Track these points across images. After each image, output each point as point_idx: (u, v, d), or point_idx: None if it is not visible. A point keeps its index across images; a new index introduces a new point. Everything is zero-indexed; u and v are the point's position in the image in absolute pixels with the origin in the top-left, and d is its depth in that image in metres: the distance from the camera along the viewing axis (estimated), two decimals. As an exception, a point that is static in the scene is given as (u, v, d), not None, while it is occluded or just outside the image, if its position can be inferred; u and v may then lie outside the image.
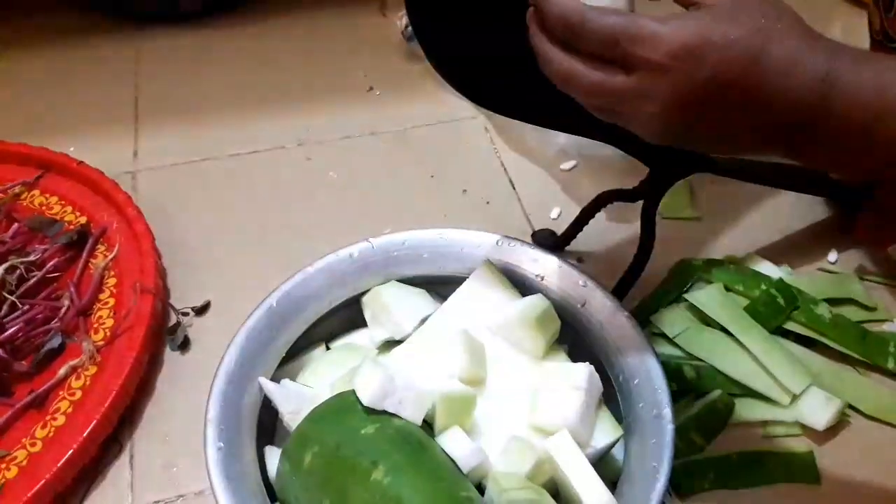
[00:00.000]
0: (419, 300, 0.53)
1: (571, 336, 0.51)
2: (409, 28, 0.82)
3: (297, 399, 0.46)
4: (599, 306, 0.51)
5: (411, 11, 0.53)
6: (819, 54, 0.37)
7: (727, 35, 0.36)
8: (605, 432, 0.46)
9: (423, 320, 0.51)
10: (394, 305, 0.51)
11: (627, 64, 0.37)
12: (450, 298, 0.51)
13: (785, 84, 0.36)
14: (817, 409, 0.54)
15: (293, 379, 0.49)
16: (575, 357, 0.50)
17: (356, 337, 0.54)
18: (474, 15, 0.50)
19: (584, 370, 0.45)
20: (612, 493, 0.42)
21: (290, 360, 0.51)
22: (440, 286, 0.54)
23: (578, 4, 0.38)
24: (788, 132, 0.38)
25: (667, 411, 0.44)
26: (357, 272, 0.53)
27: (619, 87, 0.37)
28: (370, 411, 0.42)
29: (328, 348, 0.54)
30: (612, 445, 0.46)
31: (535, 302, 0.49)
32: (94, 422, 0.52)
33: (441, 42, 0.53)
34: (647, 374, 0.47)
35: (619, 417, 0.47)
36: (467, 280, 0.52)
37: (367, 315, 0.53)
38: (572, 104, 0.44)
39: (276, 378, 0.49)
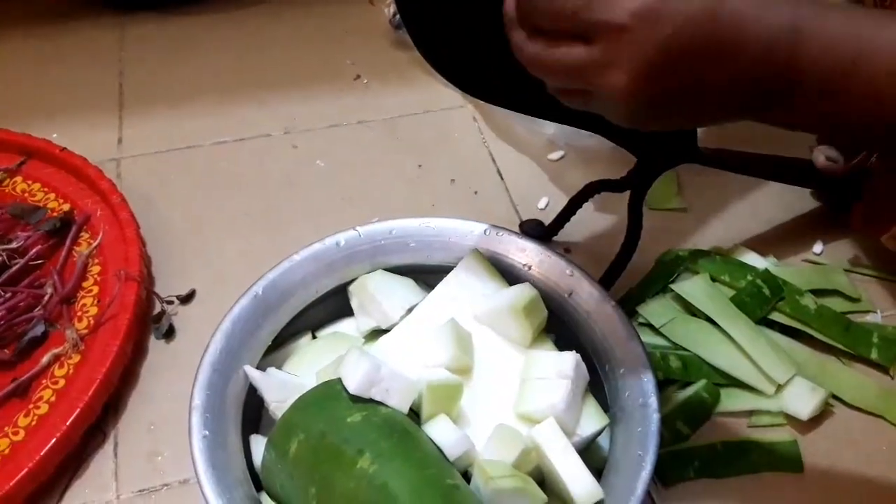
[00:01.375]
0: (406, 289, 0.52)
1: (558, 326, 0.51)
2: (397, 16, 0.82)
3: (282, 387, 0.46)
4: (586, 296, 0.51)
5: (399, 2, 0.52)
6: (782, 4, 0.36)
7: None
8: (592, 421, 0.46)
9: (410, 309, 0.51)
10: (381, 294, 0.51)
11: (587, 32, 0.35)
12: (437, 287, 0.51)
13: (749, 35, 0.35)
14: (801, 399, 0.54)
15: (279, 367, 0.49)
16: (562, 346, 0.50)
17: (343, 326, 0.54)
18: (460, 3, 0.49)
19: (570, 359, 0.45)
20: (598, 482, 0.42)
21: (277, 348, 0.51)
22: (427, 275, 0.54)
23: None
24: (760, 90, 0.36)
25: (652, 400, 0.45)
26: (344, 260, 0.53)
27: (581, 59, 0.36)
28: (356, 399, 0.42)
29: (314, 337, 0.54)
30: (598, 434, 0.46)
31: (523, 291, 0.49)
32: (78, 411, 0.51)
33: (429, 29, 0.53)
34: (633, 364, 0.47)
35: (605, 406, 0.47)
36: (454, 269, 0.52)
37: (354, 304, 0.53)
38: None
39: (261, 366, 0.48)
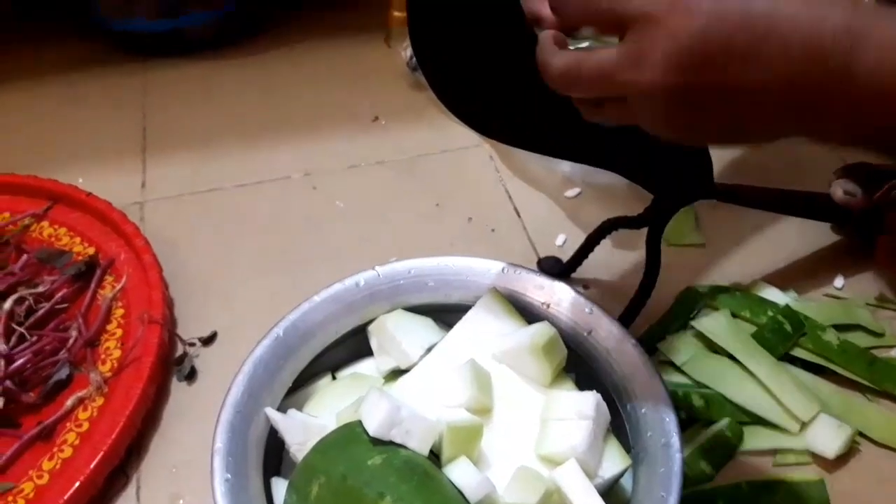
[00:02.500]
0: (425, 329, 0.53)
1: (578, 364, 0.51)
2: (414, 58, 0.83)
3: (303, 430, 0.46)
4: (606, 334, 0.51)
5: (415, 42, 0.53)
6: (836, 5, 0.32)
7: None
8: (614, 462, 0.45)
9: (429, 349, 0.51)
10: (400, 334, 0.51)
11: (620, 27, 0.34)
12: (455, 327, 0.52)
13: (796, 36, 0.32)
14: (827, 437, 0.53)
15: (299, 409, 0.49)
16: (582, 385, 0.49)
17: (362, 366, 0.54)
18: (477, 46, 0.50)
19: (591, 399, 0.45)
20: (622, 524, 0.42)
21: (297, 389, 0.51)
22: (446, 314, 0.54)
23: None
24: (805, 96, 0.33)
25: (675, 440, 0.44)
26: (363, 301, 0.53)
27: (613, 59, 0.34)
28: (376, 442, 0.42)
29: (334, 378, 0.54)
30: (621, 475, 0.46)
31: (542, 330, 0.49)
32: (101, 454, 0.52)
33: (444, 73, 0.54)
34: (654, 403, 0.47)
35: (627, 447, 0.47)
36: (473, 308, 0.52)
37: (374, 344, 0.53)
38: (574, 131, 0.45)
39: (282, 408, 0.49)
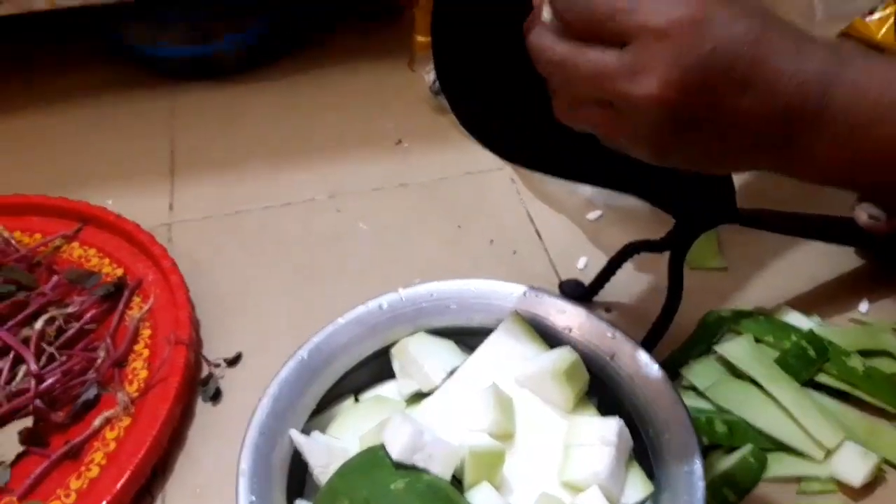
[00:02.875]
0: (447, 352, 0.53)
1: (600, 389, 0.51)
2: (437, 82, 0.84)
3: (326, 452, 0.46)
4: (628, 359, 0.51)
5: (439, 67, 0.54)
6: (819, 49, 0.34)
7: (730, 10, 0.33)
8: (636, 488, 0.45)
9: (452, 372, 0.51)
10: (422, 357, 0.52)
11: (624, 36, 0.34)
12: (478, 350, 0.52)
13: (785, 70, 0.34)
14: (853, 465, 0.53)
15: (323, 431, 0.50)
16: (604, 410, 0.50)
17: (385, 389, 0.54)
18: (500, 72, 0.51)
19: (614, 425, 0.45)
20: (644, 552, 0.42)
21: (320, 412, 0.52)
22: (468, 337, 0.54)
23: None
24: (789, 128, 0.34)
25: (697, 467, 0.44)
26: (386, 323, 0.54)
27: (612, 63, 0.34)
28: (399, 466, 0.42)
29: (357, 400, 0.54)
30: (643, 502, 0.46)
31: (564, 355, 0.49)
32: (128, 474, 0.52)
33: (467, 98, 0.54)
34: (677, 429, 0.46)
35: (649, 473, 0.47)
36: (495, 332, 0.53)
37: (396, 367, 0.53)
38: (596, 156, 0.45)
39: (306, 430, 0.49)
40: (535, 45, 0.38)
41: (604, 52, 0.35)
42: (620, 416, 0.47)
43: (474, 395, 0.47)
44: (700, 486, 0.43)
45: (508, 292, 0.55)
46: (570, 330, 0.53)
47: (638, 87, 0.34)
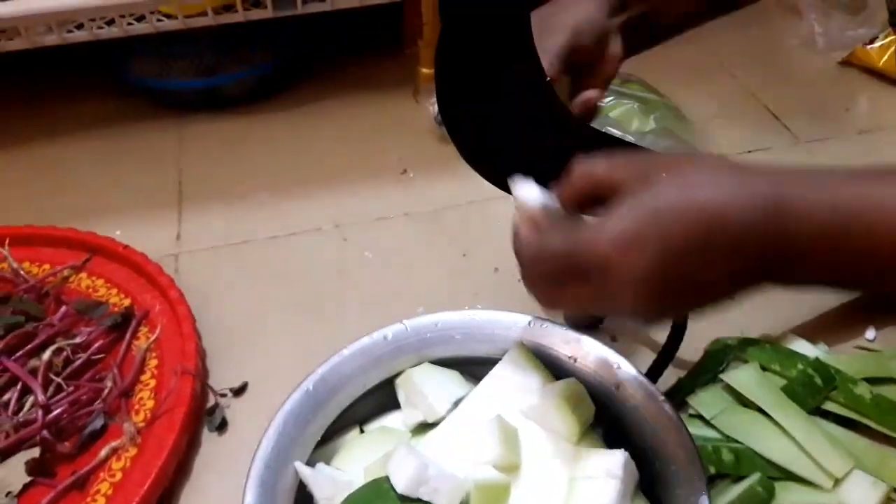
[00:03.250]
0: (452, 382, 0.53)
1: (606, 419, 0.51)
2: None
3: (331, 485, 0.46)
4: (634, 389, 0.50)
5: (440, 100, 0.55)
6: (759, 185, 0.37)
7: (656, 208, 0.37)
8: None
9: (456, 402, 0.51)
10: (427, 388, 0.52)
11: (584, 275, 0.38)
12: (482, 381, 0.52)
13: (730, 221, 0.36)
14: (862, 494, 0.52)
15: (328, 462, 0.50)
16: (610, 440, 0.49)
17: (390, 419, 0.54)
18: (501, 107, 0.52)
19: (619, 458, 0.45)
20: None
21: (325, 442, 0.52)
22: (473, 367, 0.54)
23: (533, 239, 0.42)
24: (760, 265, 0.38)
25: (703, 499, 0.44)
26: (391, 354, 0.54)
27: (589, 295, 0.39)
28: (404, 499, 0.42)
29: (362, 430, 0.54)
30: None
31: (569, 386, 0.49)
32: (134, 505, 0.52)
33: (467, 130, 0.55)
34: (683, 459, 0.46)
35: (655, 502, 0.46)
36: (500, 363, 0.53)
37: (401, 398, 0.53)
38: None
39: (310, 462, 0.49)
40: (525, 285, 0.43)
41: (578, 289, 0.40)
42: (626, 447, 0.46)
43: (479, 426, 0.47)
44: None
45: (513, 322, 0.55)
46: (575, 360, 0.53)
47: (619, 307, 0.39)
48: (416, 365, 0.54)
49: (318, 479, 0.46)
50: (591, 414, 0.49)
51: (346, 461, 0.50)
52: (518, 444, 0.48)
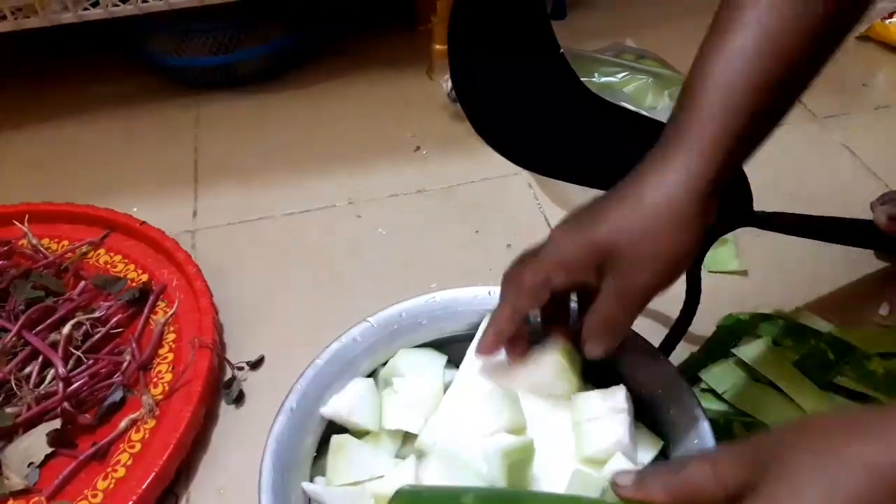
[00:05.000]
0: (431, 367, 0.52)
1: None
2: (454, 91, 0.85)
3: (349, 499, 0.46)
4: (646, 363, 0.51)
5: (455, 76, 0.55)
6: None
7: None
8: (647, 447, 0.45)
9: (446, 386, 0.50)
10: (406, 392, 0.50)
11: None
12: (465, 359, 0.50)
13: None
14: (873, 468, 0.53)
15: (322, 473, 0.49)
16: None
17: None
18: (515, 81, 0.52)
19: (621, 392, 0.45)
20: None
21: (321, 454, 0.50)
22: (445, 347, 0.53)
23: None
24: None
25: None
26: (364, 353, 0.52)
27: None
28: None
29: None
30: (656, 459, 0.46)
31: (554, 342, 0.47)
32: (153, 475, 0.53)
33: (482, 106, 0.55)
34: (695, 433, 0.46)
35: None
36: (475, 338, 0.50)
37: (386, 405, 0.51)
38: (610, 162, 0.46)
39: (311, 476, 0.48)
40: None
41: None
42: (638, 423, 0.46)
43: (481, 400, 0.47)
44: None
45: (472, 296, 0.53)
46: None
47: None
48: (389, 359, 0.52)
49: (333, 496, 0.46)
50: (580, 364, 0.48)
51: (337, 473, 0.48)
52: (520, 406, 0.47)
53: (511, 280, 0.44)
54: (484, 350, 0.46)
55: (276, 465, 0.46)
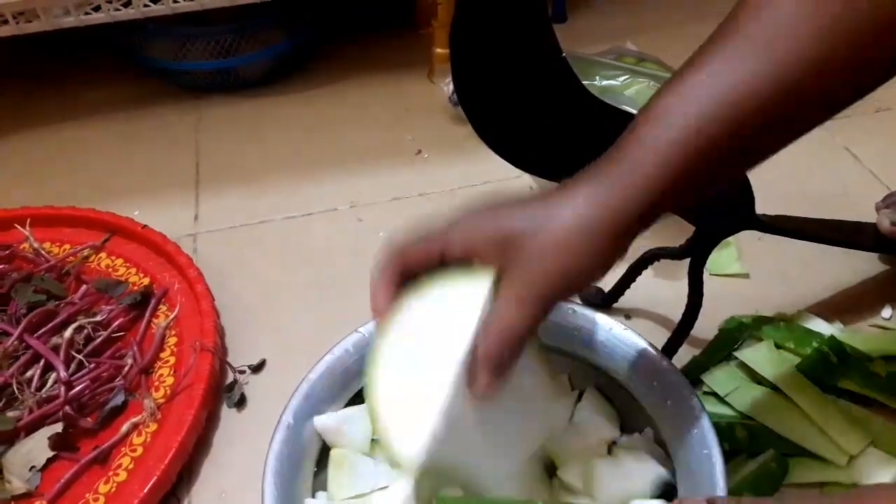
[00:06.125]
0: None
1: (621, 399, 0.51)
2: (456, 94, 0.85)
3: None
4: (649, 366, 0.50)
5: (456, 79, 0.55)
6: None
7: None
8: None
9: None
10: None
11: None
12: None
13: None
14: (877, 471, 0.53)
15: (323, 488, 0.48)
16: (626, 422, 0.49)
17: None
18: (516, 85, 0.52)
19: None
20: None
21: (321, 468, 0.50)
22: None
23: None
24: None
25: (719, 474, 0.44)
26: (356, 364, 0.51)
27: None
28: None
29: None
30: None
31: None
32: (155, 478, 0.53)
33: (483, 109, 0.55)
34: (698, 436, 0.46)
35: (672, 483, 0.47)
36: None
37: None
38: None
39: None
40: None
41: None
42: (642, 426, 0.47)
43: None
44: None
45: None
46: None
47: None
48: None
49: None
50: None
51: (339, 486, 0.47)
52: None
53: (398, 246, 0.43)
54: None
55: (277, 485, 0.46)
